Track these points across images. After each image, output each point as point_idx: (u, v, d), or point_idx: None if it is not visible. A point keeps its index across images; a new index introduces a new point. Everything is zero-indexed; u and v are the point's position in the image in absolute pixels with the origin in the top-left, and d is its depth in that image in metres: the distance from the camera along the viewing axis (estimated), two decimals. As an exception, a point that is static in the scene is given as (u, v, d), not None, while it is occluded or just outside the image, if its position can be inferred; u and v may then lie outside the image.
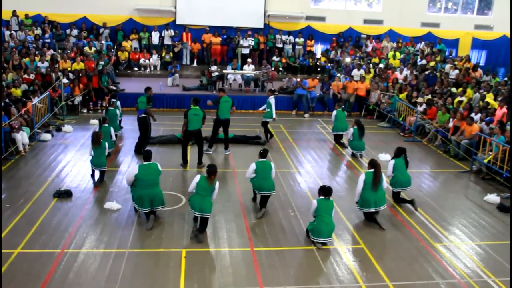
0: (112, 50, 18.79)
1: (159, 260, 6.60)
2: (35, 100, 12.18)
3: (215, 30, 20.18)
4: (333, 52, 20.40)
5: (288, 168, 10.66)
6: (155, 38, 19.85)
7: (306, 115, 16.01)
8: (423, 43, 21.08)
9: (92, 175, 9.36)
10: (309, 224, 7.29)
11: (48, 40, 18.13)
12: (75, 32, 19.19)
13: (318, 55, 20.79)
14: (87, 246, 6.86)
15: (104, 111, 12.11)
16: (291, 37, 20.78)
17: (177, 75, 17.37)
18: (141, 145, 10.98)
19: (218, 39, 19.95)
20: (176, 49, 19.89)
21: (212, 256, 6.79)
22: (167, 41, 19.92)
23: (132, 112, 15.16)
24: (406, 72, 17.25)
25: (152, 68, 19.22)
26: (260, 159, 8.25)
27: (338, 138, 12.71)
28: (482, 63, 22.45)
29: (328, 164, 11.36)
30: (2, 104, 10.86)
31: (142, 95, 11.10)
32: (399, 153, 8.73)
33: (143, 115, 10.91)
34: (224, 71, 17.24)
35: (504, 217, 8.52)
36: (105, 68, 16.25)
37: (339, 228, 7.56)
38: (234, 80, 17.19)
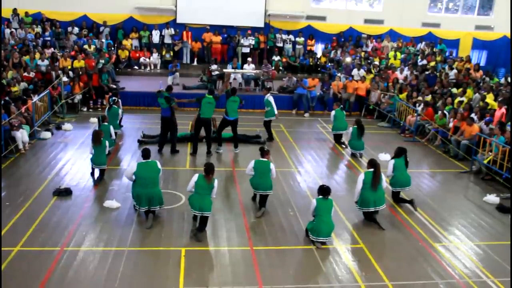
0: (113, 48, 18.79)
1: (158, 258, 6.60)
2: (35, 98, 12.18)
3: (216, 29, 20.19)
4: (333, 51, 20.40)
5: (288, 168, 10.66)
6: (155, 36, 19.84)
7: (306, 115, 16.01)
8: (423, 43, 21.08)
9: (92, 174, 9.36)
10: (308, 224, 7.30)
11: (49, 38, 18.12)
12: (75, 30, 19.18)
13: (319, 55, 20.78)
14: (87, 244, 6.86)
15: (106, 109, 12.12)
16: (291, 36, 20.78)
17: (177, 74, 17.35)
18: (163, 143, 11.21)
19: (218, 38, 19.95)
20: (176, 48, 19.88)
21: (211, 255, 6.79)
22: (168, 40, 19.91)
23: (132, 110, 15.23)
24: (406, 72, 17.26)
25: (152, 67, 19.22)
26: (261, 158, 8.24)
27: (338, 138, 12.71)
28: (482, 63, 22.44)
29: (328, 164, 11.37)
30: (2, 102, 10.86)
31: (160, 97, 11.12)
32: (400, 153, 8.73)
33: (167, 115, 11.03)
34: (224, 70, 17.23)
35: (503, 218, 8.52)
36: (105, 66, 16.24)
37: (338, 227, 7.56)
38: (234, 79, 17.19)
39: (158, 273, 6.25)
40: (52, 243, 6.84)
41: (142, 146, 11.28)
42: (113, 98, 12.33)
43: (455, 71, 16.75)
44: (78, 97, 14.76)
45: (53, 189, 8.62)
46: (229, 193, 8.99)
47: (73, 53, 16.95)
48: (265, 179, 8.14)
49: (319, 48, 21.91)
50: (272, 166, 8.22)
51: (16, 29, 18.08)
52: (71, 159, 10.51)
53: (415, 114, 13.32)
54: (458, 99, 13.76)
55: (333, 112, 12.60)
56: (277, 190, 8.95)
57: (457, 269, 6.71)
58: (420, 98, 14.37)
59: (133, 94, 15.73)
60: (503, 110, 12.10)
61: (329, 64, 19.70)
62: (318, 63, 20.03)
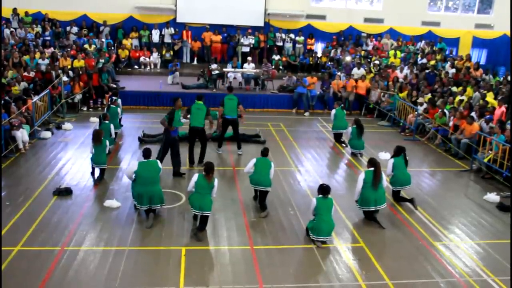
0: (112, 48, 18.78)
1: (159, 258, 6.61)
2: (35, 98, 12.17)
3: (216, 28, 20.18)
4: (333, 50, 20.38)
5: (288, 167, 10.66)
6: (155, 36, 19.83)
7: (306, 114, 16.00)
8: (423, 42, 21.07)
9: (92, 173, 9.37)
10: (308, 223, 7.30)
11: (49, 38, 18.11)
12: (75, 29, 19.17)
13: (319, 54, 20.75)
14: (87, 244, 6.87)
15: (105, 108, 12.11)
16: (292, 35, 20.78)
17: (177, 73, 17.34)
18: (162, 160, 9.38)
19: (218, 37, 19.95)
20: (176, 47, 19.88)
21: (211, 254, 6.80)
22: (167, 39, 19.90)
23: (132, 110, 15.21)
24: (406, 71, 17.25)
25: (152, 66, 19.21)
26: (262, 157, 8.26)
27: (338, 137, 12.71)
28: (482, 62, 22.45)
29: (328, 163, 11.36)
30: (2, 101, 10.86)
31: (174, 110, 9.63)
32: (399, 152, 8.73)
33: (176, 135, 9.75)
34: (224, 69, 17.23)
35: (503, 216, 8.53)
36: (105, 66, 16.23)
37: (338, 226, 7.56)
38: (234, 78, 17.18)
39: (158, 272, 6.25)
40: (52, 242, 6.84)
41: (143, 145, 11.30)
42: (112, 97, 12.33)
43: (453, 70, 16.74)
44: (78, 97, 14.76)
45: (53, 189, 8.62)
46: (230, 193, 8.98)
47: (73, 52, 16.93)
48: (265, 176, 8.16)
49: (319, 47, 21.89)
50: (273, 165, 8.26)
51: (16, 28, 18.07)
52: (71, 159, 10.50)
53: (415, 113, 13.32)
54: (458, 97, 13.76)
55: (333, 111, 12.60)
56: (277, 189, 8.95)
57: (458, 268, 6.71)
58: (420, 99, 14.32)
59: (133, 94, 15.72)
60: (503, 108, 12.11)
61: (329, 63, 19.69)
62: (318, 62, 20.01)
